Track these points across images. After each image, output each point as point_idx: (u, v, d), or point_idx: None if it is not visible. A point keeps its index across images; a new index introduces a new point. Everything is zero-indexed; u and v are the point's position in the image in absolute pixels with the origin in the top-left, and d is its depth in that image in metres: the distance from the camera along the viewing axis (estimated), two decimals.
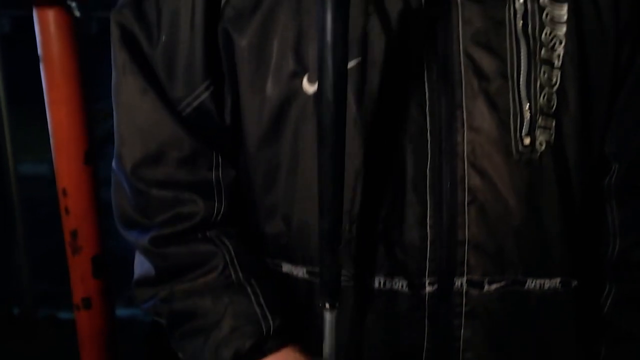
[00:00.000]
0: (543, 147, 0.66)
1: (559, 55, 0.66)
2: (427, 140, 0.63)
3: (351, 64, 0.62)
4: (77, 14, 0.95)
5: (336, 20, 0.53)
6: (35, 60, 0.98)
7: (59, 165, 0.98)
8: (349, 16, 0.54)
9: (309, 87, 0.64)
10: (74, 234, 0.98)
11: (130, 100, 0.68)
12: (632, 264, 0.74)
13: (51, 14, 0.90)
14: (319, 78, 0.55)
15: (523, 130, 0.64)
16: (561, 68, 0.66)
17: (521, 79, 0.64)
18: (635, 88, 0.72)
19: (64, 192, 0.98)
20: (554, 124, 0.66)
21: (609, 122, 0.72)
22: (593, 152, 0.71)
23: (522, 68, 0.64)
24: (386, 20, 0.63)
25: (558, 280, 0.69)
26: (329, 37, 0.53)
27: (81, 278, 1.00)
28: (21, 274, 2.60)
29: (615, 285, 0.74)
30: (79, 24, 0.96)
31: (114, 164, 0.73)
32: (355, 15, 0.62)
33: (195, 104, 0.69)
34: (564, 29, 0.66)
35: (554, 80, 0.66)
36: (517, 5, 0.65)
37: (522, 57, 0.64)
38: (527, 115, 0.64)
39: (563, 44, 0.66)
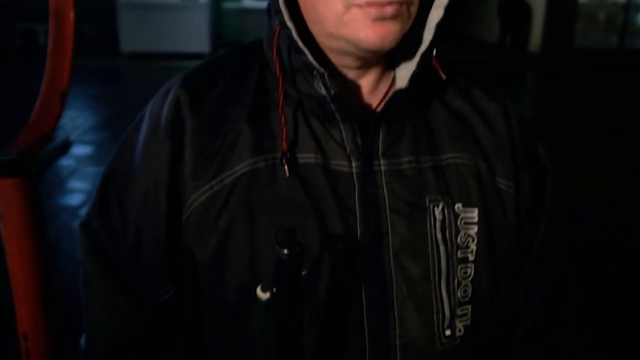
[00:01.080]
0: (462, 332, 0.77)
1: (472, 251, 0.78)
2: (365, 338, 0.74)
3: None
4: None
5: (292, 254, 0.62)
6: None
7: (19, 311, 1.03)
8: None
9: (263, 295, 0.73)
10: None
11: (98, 300, 0.76)
12: None
13: (12, 181, 0.96)
14: (276, 290, 0.64)
15: (445, 324, 0.76)
16: (475, 262, 0.78)
17: (442, 280, 0.76)
18: (535, 263, 0.85)
19: (25, 337, 1.03)
20: (470, 309, 0.78)
21: (516, 291, 0.85)
22: (504, 319, 0.84)
23: (442, 270, 0.76)
24: (328, 237, 0.73)
25: None
26: (284, 257, 0.62)
27: None
28: None
29: None
30: (38, 167, 1.02)
31: (83, 345, 0.80)
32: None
33: (159, 301, 0.77)
34: (475, 228, 0.78)
35: (469, 272, 0.78)
36: (436, 213, 0.76)
37: (442, 261, 0.76)
38: (448, 312, 0.76)
39: (475, 241, 0.78)
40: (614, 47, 13.60)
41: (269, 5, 0.74)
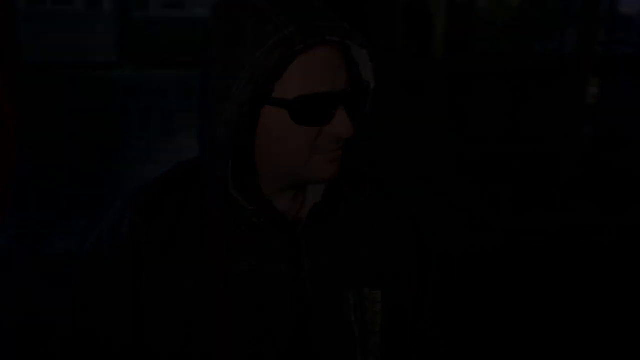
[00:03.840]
0: None
1: (379, 324, 0.99)
2: None
3: None
4: None
5: None
6: None
7: None
8: None
9: None
10: None
11: None
12: None
13: None
14: None
15: None
16: (381, 332, 0.99)
17: (357, 350, 0.96)
18: (427, 324, 1.08)
19: None
20: None
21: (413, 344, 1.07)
22: None
23: (357, 342, 0.96)
24: (268, 326, 0.91)
25: None
26: None
27: None
28: None
29: None
30: None
31: None
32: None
33: None
34: (380, 305, 0.98)
35: (378, 339, 0.99)
36: (350, 298, 0.96)
37: (356, 335, 0.96)
38: None
39: (380, 315, 0.99)
40: (510, 51, 14.46)
41: (202, 139, 0.89)
